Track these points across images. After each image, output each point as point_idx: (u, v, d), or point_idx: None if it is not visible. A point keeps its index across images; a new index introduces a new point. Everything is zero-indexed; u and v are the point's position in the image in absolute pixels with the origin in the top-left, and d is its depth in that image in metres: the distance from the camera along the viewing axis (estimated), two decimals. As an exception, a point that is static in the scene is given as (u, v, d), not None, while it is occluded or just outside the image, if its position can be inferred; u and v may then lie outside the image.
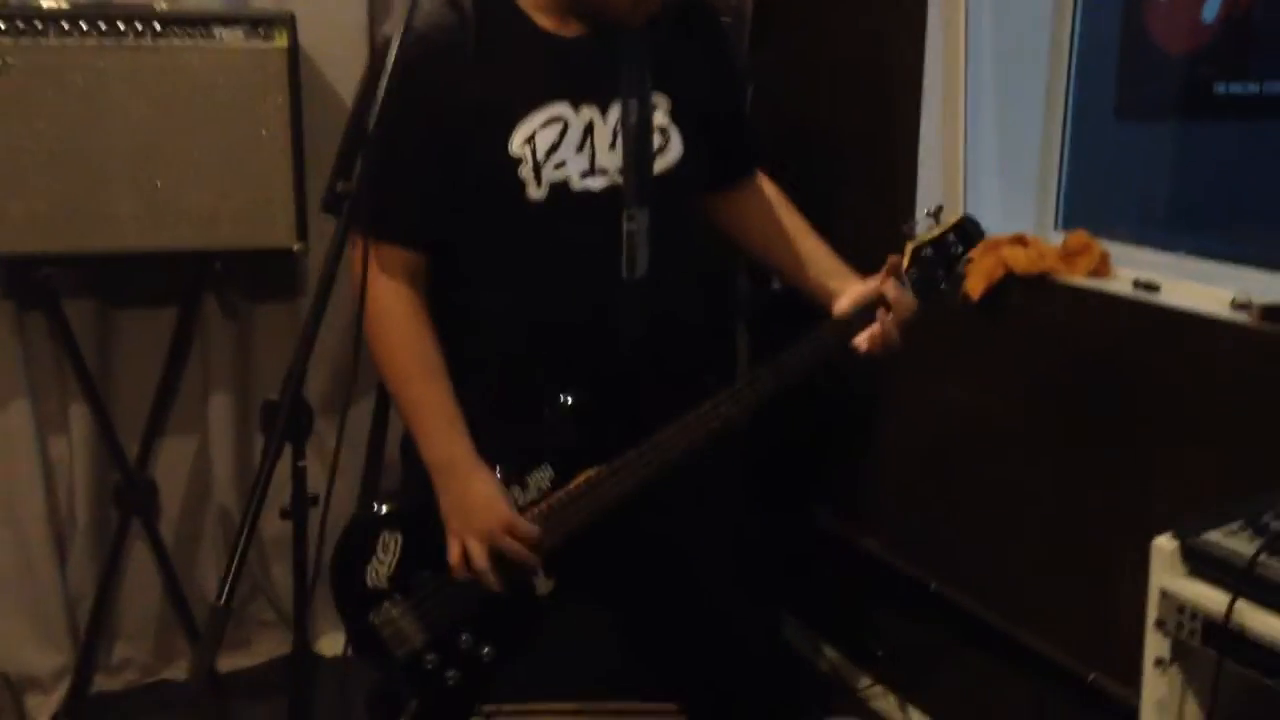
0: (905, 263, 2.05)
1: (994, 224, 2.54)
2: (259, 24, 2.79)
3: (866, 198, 3.02)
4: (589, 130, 1.95)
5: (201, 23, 2.76)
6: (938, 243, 2.08)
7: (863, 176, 3.04)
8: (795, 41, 3.27)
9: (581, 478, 1.99)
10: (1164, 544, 1.62)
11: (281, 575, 3.26)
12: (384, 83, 1.66)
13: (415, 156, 1.90)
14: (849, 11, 3.07)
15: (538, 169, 1.92)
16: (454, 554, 1.97)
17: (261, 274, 3.10)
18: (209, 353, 3.12)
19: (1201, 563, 1.58)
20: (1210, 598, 1.55)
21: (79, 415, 3.03)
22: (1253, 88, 2.97)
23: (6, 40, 2.66)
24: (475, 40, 1.91)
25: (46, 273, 2.81)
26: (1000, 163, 2.85)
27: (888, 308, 1.97)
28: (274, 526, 3.20)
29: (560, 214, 1.94)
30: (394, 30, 1.67)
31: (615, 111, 1.96)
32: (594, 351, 2.00)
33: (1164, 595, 1.61)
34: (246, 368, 3.18)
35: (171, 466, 3.17)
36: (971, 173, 2.83)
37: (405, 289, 1.97)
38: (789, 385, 1.98)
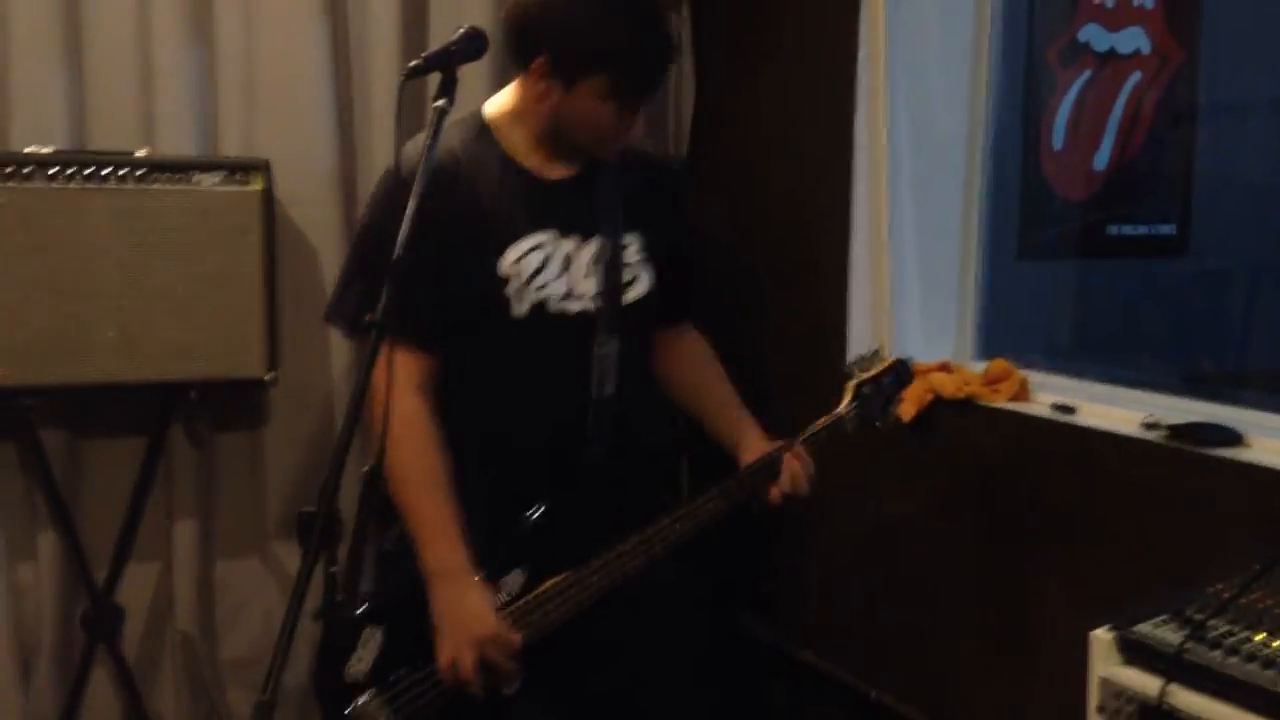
0: (847, 398, 2.35)
1: (917, 353, 2.80)
2: (236, 169, 2.96)
3: (800, 329, 3.24)
4: (568, 259, 2.17)
5: (182, 168, 2.92)
6: (875, 381, 2.39)
7: (796, 309, 3.27)
8: (728, 185, 3.52)
9: (550, 583, 2.15)
10: (1101, 636, 1.81)
11: (239, 699, 3.31)
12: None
13: (422, 266, 2.08)
14: (778, 161, 3.32)
15: (522, 289, 2.13)
16: (444, 659, 2.09)
17: (228, 404, 3.22)
18: (175, 480, 3.22)
19: (1135, 652, 1.77)
20: (1145, 683, 1.74)
21: (48, 542, 3.10)
22: (1142, 229, 3.28)
23: (-8, 185, 2.79)
24: (467, 174, 2.13)
25: (26, 404, 2.91)
26: (921, 298, 3.08)
27: (794, 463, 2.26)
28: (231, 651, 3.30)
29: (539, 331, 2.15)
30: (422, 156, 1.83)
31: (593, 244, 2.19)
32: (562, 461, 2.19)
33: (1104, 682, 1.80)
34: (210, 495, 3.27)
35: (136, 592, 3.23)
36: (895, 307, 3.07)
37: (417, 397, 2.12)
38: (732, 511, 2.24)
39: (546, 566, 2.16)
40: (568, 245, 2.18)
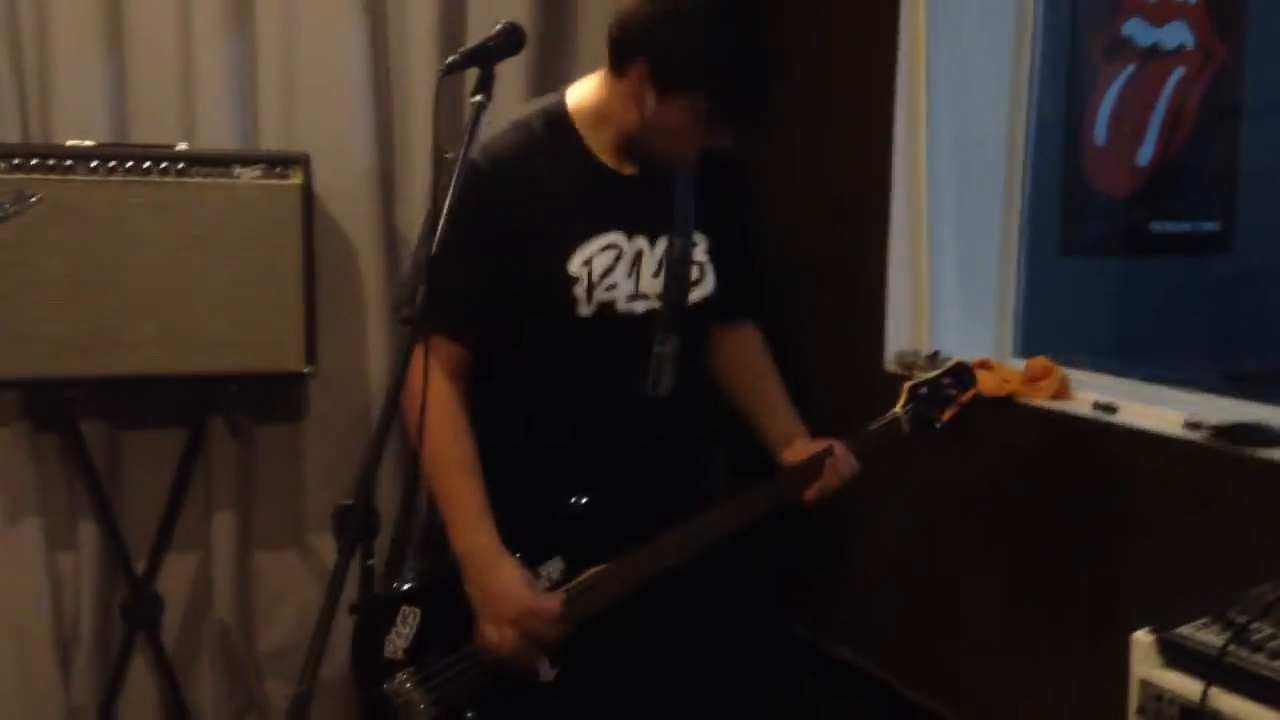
0: (902, 399, 2.33)
1: (956, 351, 2.78)
2: (276, 163, 2.98)
3: (839, 325, 3.23)
4: (638, 258, 2.17)
5: (222, 162, 2.94)
6: (934, 384, 2.37)
7: (834, 306, 3.25)
8: (768, 181, 3.50)
9: (589, 573, 2.16)
10: (1142, 638, 1.80)
11: (276, 690, 3.34)
12: (453, 194, 1.86)
13: (478, 261, 2.08)
14: (818, 157, 3.31)
15: (591, 289, 2.13)
16: (485, 639, 2.11)
17: (267, 397, 3.24)
18: (214, 472, 3.24)
19: (1176, 655, 1.76)
20: (1186, 686, 1.72)
21: (88, 532, 3.14)
22: (1185, 226, 3.25)
23: (36, 176, 2.82)
24: (546, 167, 2.13)
25: (70, 396, 2.94)
26: (961, 295, 3.06)
27: (835, 466, 2.26)
28: (268, 642, 3.32)
29: (603, 331, 2.15)
30: (461, 151, 1.83)
31: (662, 244, 2.19)
32: (613, 457, 2.19)
33: (1144, 685, 1.79)
34: (248, 487, 3.30)
35: (175, 582, 3.26)
36: (934, 304, 3.06)
37: (450, 383, 2.13)
38: (771, 511, 2.25)
39: (586, 556, 2.17)
40: (638, 244, 2.18)
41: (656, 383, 2.19)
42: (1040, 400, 2.66)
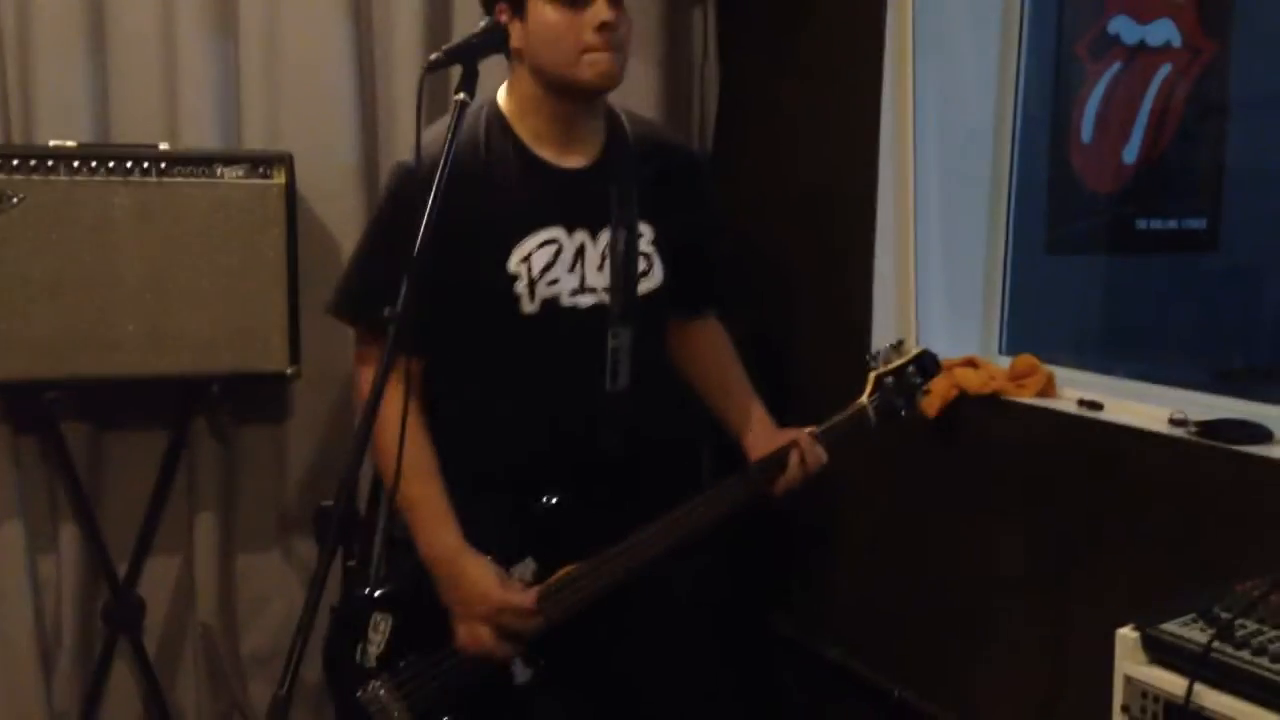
0: (868, 389, 2.33)
1: (942, 349, 2.77)
2: (259, 163, 2.96)
3: (824, 322, 3.23)
4: (580, 252, 2.15)
5: (205, 161, 2.92)
6: (898, 373, 2.37)
7: (820, 302, 3.25)
8: (754, 178, 3.51)
9: (562, 572, 2.14)
10: (1126, 634, 1.79)
11: (259, 693, 3.32)
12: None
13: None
14: (804, 154, 3.31)
15: (532, 285, 2.11)
16: (461, 638, 2.11)
17: (250, 397, 3.22)
18: (196, 473, 3.22)
19: (1161, 651, 1.75)
20: (1170, 682, 1.72)
21: (69, 535, 3.11)
22: (1171, 223, 3.24)
23: (18, 177, 2.80)
24: (482, 162, 2.11)
25: (51, 397, 2.92)
26: (947, 292, 3.06)
27: (801, 458, 2.25)
28: (251, 644, 3.31)
29: (551, 327, 2.13)
30: (445, 149, 1.82)
31: (605, 236, 2.17)
32: (577, 455, 2.17)
33: (1128, 681, 1.78)
34: (231, 488, 3.27)
35: (157, 585, 3.24)
36: (921, 301, 3.05)
37: (400, 389, 2.08)
38: (741, 505, 2.24)
39: (558, 557, 2.16)
40: (579, 238, 2.16)
41: (614, 378, 2.18)
42: (1026, 398, 2.66)
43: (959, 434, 2.75)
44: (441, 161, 1.81)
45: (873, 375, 2.37)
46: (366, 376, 2.12)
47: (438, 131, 2.02)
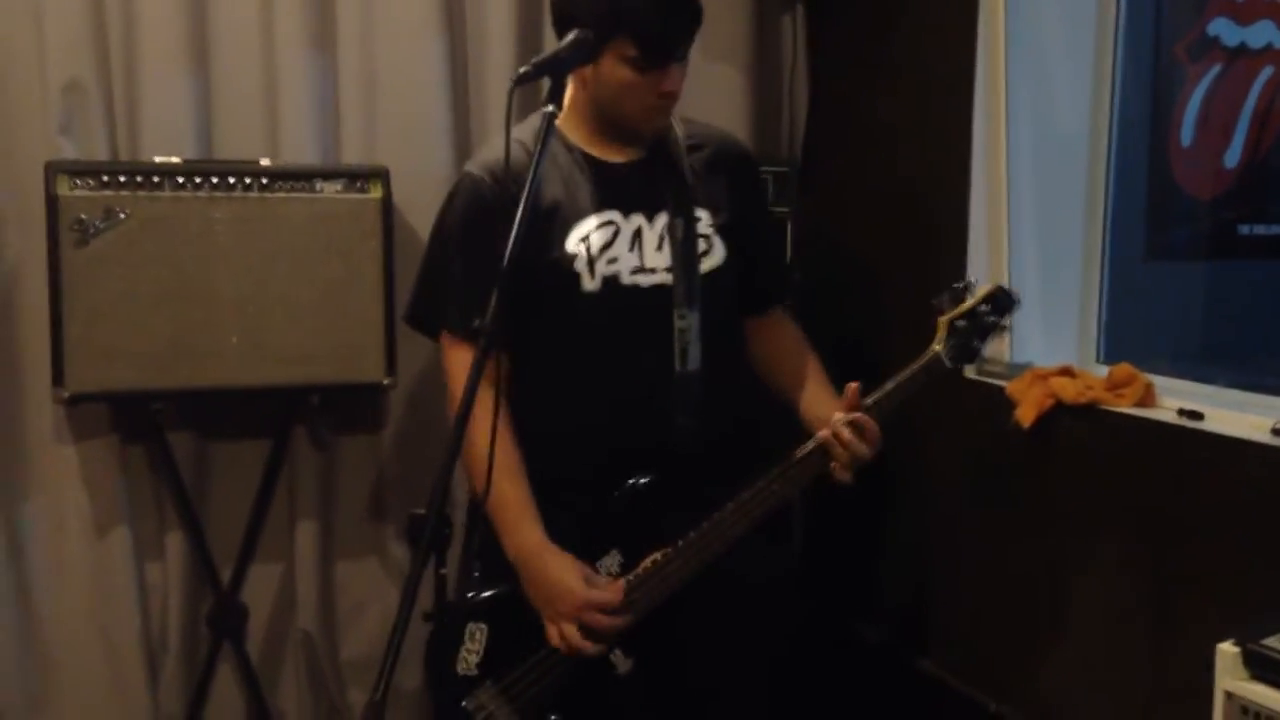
0: (941, 334, 2.27)
1: (1038, 357, 2.74)
2: (356, 178, 3.02)
3: (916, 333, 3.18)
4: (638, 234, 2.21)
5: (304, 176, 2.99)
6: (971, 314, 2.29)
7: (911, 310, 3.21)
8: (844, 184, 3.49)
9: (648, 560, 2.16)
10: (1227, 650, 1.76)
11: (357, 698, 3.37)
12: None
13: (487, 265, 2.11)
14: (894, 160, 3.29)
15: (592, 263, 2.17)
16: (551, 636, 2.14)
17: (348, 408, 3.29)
18: (296, 481, 3.29)
19: (1262, 667, 1.72)
20: (1272, 698, 1.69)
21: (175, 542, 3.20)
22: (1274, 229, 3.17)
23: (124, 193, 2.88)
24: (535, 166, 2.16)
25: (157, 407, 3.00)
26: (1042, 299, 3.02)
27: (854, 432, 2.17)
28: (350, 650, 3.36)
29: (613, 305, 2.19)
30: (534, 159, 1.89)
31: (661, 220, 2.22)
32: (652, 439, 2.20)
33: (1229, 697, 1.75)
34: (331, 496, 3.34)
35: (259, 591, 3.31)
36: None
37: (489, 391, 2.14)
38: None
39: (642, 545, 2.18)
40: (636, 221, 2.22)
41: (684, 358, 2.18)
42: (1124, 407, 2.61)
43: (1055, 444, 2.71)
44: (531, 171, 1.85)
45: (944, 320, 2.29)
46: (458, 379, 2.16)
47: (496, 148, 2.13)
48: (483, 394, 1.97)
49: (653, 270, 2.20)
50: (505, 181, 2.11)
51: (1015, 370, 2.86)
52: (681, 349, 2.19)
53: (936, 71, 3.10)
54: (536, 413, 2.22)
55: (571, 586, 2.11)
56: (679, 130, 2.32)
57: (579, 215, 2.19)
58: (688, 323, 2.20)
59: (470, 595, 2.23)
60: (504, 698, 2.17)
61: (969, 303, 2.30)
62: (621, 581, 2.14)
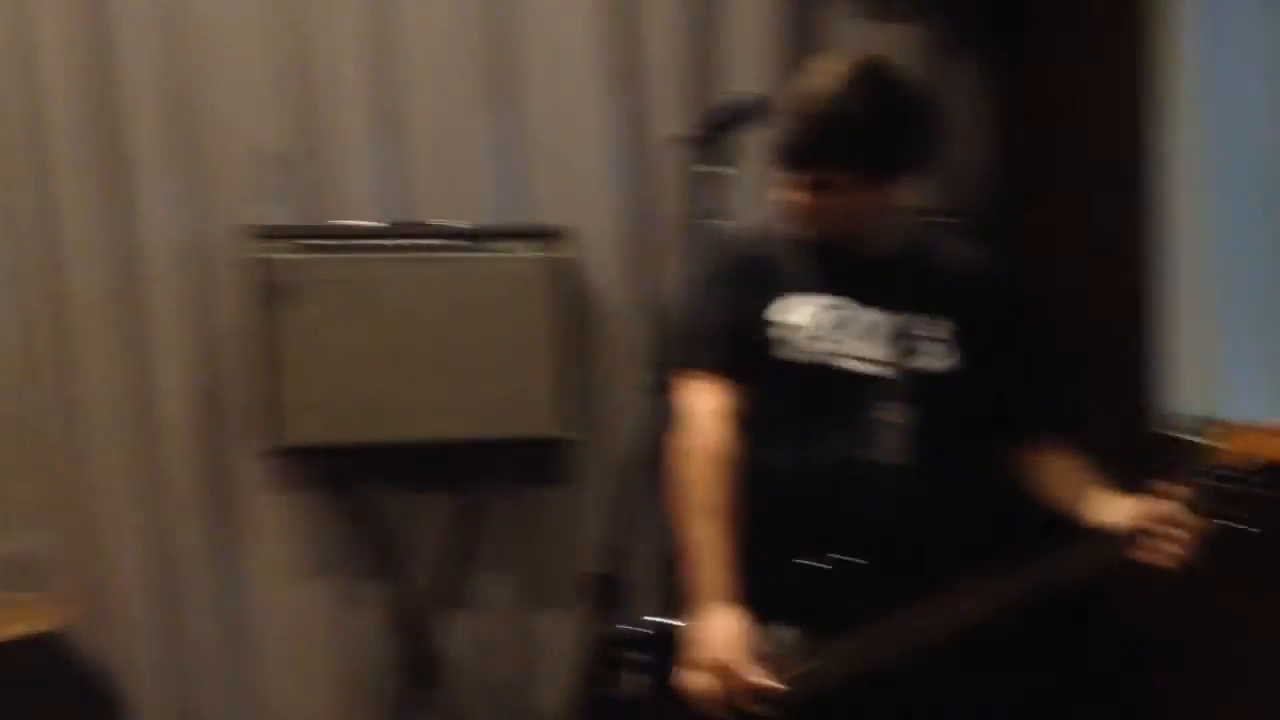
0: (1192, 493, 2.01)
1: (1254, 412, 2.53)
2: (535, 237, 3.12)
3: (1104, 381, 3.01)
4: (861, 324, 2.18)
5: (484, 236, 3.11)
6: (1238, 479, 1.97)
7: (1101, 359, 3.06)
8: (1028, 227, 3.37)
9: (827, 644, 2.08)
10: None
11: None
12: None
13: (726, 311, 2.21)
14: (1083, 195, 3.17)
15: (814, 340, 2.16)
16: (683, 677, 2.09)
17: (536, 462, 3.34)
18: (491, 533, 3.36)
19: None
20: None
21: (373, 591, 3.31)
22: None
23: (319, 256, 3.03)
24: (782, 242, 2.23)
25: (356, 460, 3.13)
26: (1261, 347, 2.78)
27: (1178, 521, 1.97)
28: (548, 701, 3.42)
29: (824, 384, 2.16)
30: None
31: (892, 317, 2.18)
32: (842, 523, 2.13)
33: None
34: (527, 549, 3.40)
35: (454, 641, 3.39)
36: (1225, 357, 2.83)
37: (711, 427, 2.17)
38: (1055, 592, 2.03)
39: (824, 625, 2.10)
40: (872, 313, 2.19)
41: (884, 450, 2.13)
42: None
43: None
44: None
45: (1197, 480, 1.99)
46: (692, 413, 2.20)
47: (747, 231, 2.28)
48: (701, 423, 2.11)
49: (864, 359, 2.17)
50: (752, 245, 2.26)
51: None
52: (882, 442, 2.14)
53: (1121, 115, 2.97)
54: (742, 475, 2.20)
55: (729, 639, 2.06)
56: (921, 231, 2.30)
57: (811, 292, 2.20)
58: (893, 418, 2.15)
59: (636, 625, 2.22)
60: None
61: (1238, 469, 1.96)
62: (781, 675, 2.07)
